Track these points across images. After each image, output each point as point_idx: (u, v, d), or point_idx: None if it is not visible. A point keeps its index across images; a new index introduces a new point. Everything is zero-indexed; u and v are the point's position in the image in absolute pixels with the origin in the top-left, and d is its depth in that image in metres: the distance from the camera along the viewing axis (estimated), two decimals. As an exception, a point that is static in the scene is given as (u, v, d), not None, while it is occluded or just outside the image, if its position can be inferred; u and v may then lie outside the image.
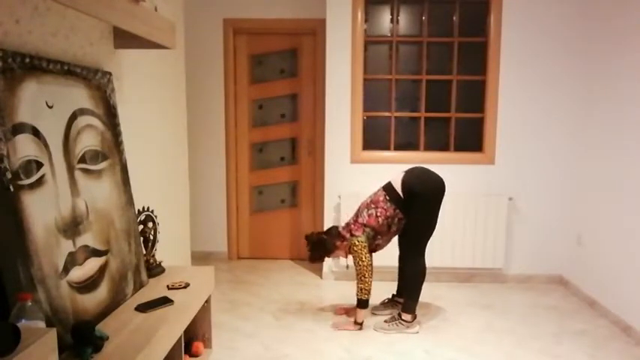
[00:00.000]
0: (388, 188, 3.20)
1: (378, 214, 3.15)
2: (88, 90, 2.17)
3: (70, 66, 2.04)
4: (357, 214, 3.24)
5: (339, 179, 4.12)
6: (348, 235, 3.21)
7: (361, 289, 3.13)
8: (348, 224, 3.26)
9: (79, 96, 2.09)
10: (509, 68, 3.98)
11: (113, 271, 2.15)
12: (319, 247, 3.25)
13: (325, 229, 3.54)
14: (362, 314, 3.20)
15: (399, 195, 3.14)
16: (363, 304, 3.16)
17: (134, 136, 2.72)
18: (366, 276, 3.11)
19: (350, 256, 3.27)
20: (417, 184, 3.12)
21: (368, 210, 3.19)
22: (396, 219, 3.17)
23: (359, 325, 3.22)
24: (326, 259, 3.39)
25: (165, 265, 2.83)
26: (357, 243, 3.13)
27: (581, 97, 3.96)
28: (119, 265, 2.21)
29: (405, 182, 3.13)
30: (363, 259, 3.11)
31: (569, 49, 3.95)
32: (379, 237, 3.21)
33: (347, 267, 3.49)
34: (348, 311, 3.46)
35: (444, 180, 3.21)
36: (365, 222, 3.17)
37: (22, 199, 1.65)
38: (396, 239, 3.42)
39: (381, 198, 3.18)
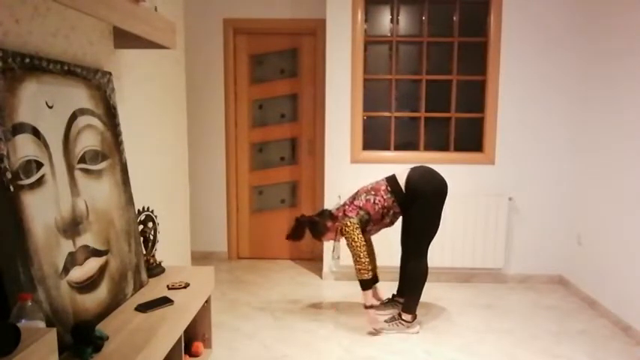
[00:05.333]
0: (392, 180, 3.20)
1: (377, 201, 3.14)
2: (88, 90, 2.17)
3: (70, 66, 2.04)
4: (354, 197, 3.22)
5: (339, 179, 4.12)
6: (341, 215, 3.17)
7: (359, 270, 3.06)
8: (343, 205, 3.23)
9: (79, 96, 2.09)
10: (509, 68, 3.98)
11: (113, 271, 2.15)
12: (310, 228, 3.19)
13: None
14: (368, 297, 3.12)
15: (401, 189, 3.14)
16: (364, 284, 3.09)
17: (134, 136, 2.72)
18: (361, 256, 3.05)
19: (339, 244, 3.23)
20: (421, 182, 3.11)
21: (367, 195, 3.18)
22: (392, 211, 3.17)
23: (369, 307, 3.13)
24: (328, 245, 3.28)
25: (165, 265, 2.83)
26: (349, 224, 3.09)
27: (581, 97, 3.96)
28: (119, 265, 2.21)
29: (409, 179, 3.13)
30: (356, 239, 3.06)
31: (569, 49, 3.95)
32: (371, 224, 3.19)
33: (337, 257, 3.41)
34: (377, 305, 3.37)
35: (447, 181, 3.21)
36: (361, 205, 3.15)
37: (22, 199, 1.65)
38: (396, 239, 3.42)
39: (383, 187, 3.18)
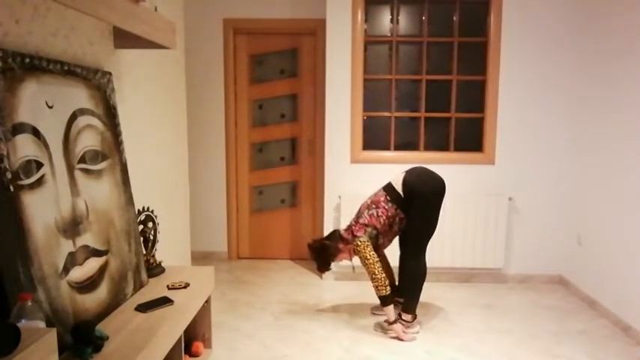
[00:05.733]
0: (389, 188, 3.20)
1: (380, 214, 3.15)
2: (88, 90, 2.17)
3: (70, 66, 2.04)
4: (358, 216, 3.24)
5: (339, 179, 4.12)
6: (350, 237, 3.20)
7: (377, 287, 3.07)
8: (349, 226, 3.25)
9: (79, 96, 2.09)
10: (509, 68, 3.98)
11: (113, 271, 2.15)
12: (323, 252, 3.22)
13: (326, 233, 3.53)
14: (391, 312, 3.12)
15: (399, 195, 3.14)
16: (385, 300, 3.09)
17: (134, 136, 2.72)
18: (377, 273, 3.07)
19: (355, 258, 3.26)
20: (418, 183, 3.12)
21: (369, 210, 3.19)
22: (397, 218, 3.17)
23: (393, 323, 3.12)
24: (332, 264, 3.35)
25: (165, 265, 2.83)
26: (359, 243, 3.12)
27: (581, 97, 3.96)
28: (119, 265, 2.21)
29: (405, 182, 3.14)
30: (368, 257, 3.09)
31: (569, 49, 3.95)
32: (381, 237, 3.21)
33: (353, 269, 3.45)
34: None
35: (444, 180, 3.21)
36: (366, 222, 3.17)
37: (22, 199, 1.65)
38: (396, 239, 3.42)
39: (382, 198, 3.18)
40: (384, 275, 3.08)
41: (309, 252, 3.28)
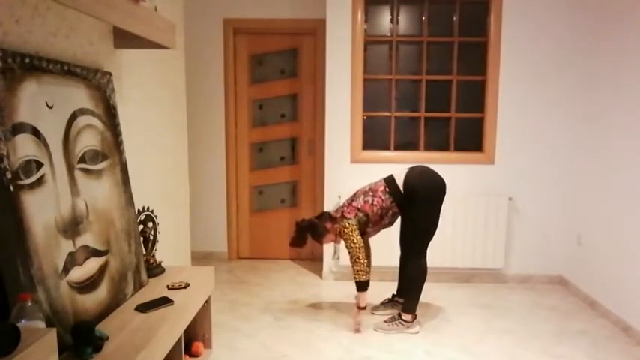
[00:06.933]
0: (390, 181, 3.20)
1: (375, 202, 3.15)
2: (88, 90, 2.17)
3: (70, 66, 2.04)
4: (353, 199, 3.23)
5: (339, 179, 4.12)
6: (339, 217, 3.18)
7: (357, 271, 3.08)
8: (341, 206, 3.24)
9: (79, 96, 2.09)
10: (510, 68, 3.98)
11: (113, 271, 2.15)
12: (310, 230, 3.21)
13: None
14: (363, 297, 3.13)
15: (399, 190, 3.14)
16: (362, 285, 3.10)
17: (134, 136, 2.72)
18: (360, 257, 3.06)
19: (339, 245, 3.24)
20: (419, 182, 3.12)
21: (365, 197, 3.19)
22: (391, 212, 3.17)
23: (363, 308, 3.16)
24: (326, 251, 3.33)
25: (165, 265, 2.83)
26: (347, 225, 3.10)
27: (581, 97, 3.96)
28: (119, 265, 2.21)
29: (407, 179, 3.14)
30: (355, 240, 3.08)
31: (570, 49, 3.95)
32: (370, 225, 3.20)
33: (337, 257, 3.42)
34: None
35: (445, 180, 3.21)
36: (359, 207, 3.16)
37: (22, 199, 1.65)
38: (397, 239, 3.42)
39: (381, 188, 3.18)
40: (367, 261, 3.09)
41: (295, 230, 3.25)
